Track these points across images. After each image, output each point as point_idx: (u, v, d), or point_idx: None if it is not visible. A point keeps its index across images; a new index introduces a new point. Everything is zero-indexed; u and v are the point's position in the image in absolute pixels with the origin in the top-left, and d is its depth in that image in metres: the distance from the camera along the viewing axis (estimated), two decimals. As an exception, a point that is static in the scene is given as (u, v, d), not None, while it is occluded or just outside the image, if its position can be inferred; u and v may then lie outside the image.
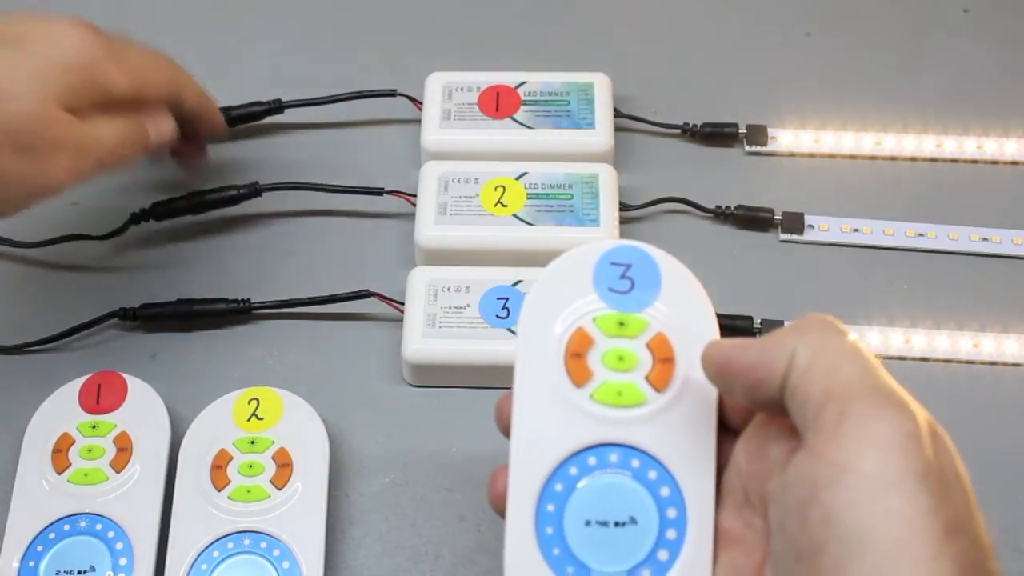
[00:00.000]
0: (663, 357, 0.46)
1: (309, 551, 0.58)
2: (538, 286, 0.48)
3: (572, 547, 0.45)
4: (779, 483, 0.42)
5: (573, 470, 0.45)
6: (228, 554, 0.58)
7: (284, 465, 0.60)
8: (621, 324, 0.47)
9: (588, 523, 0.45)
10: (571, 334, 0.47)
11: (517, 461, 0.46)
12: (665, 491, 0.45)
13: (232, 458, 0.60)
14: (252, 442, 0.61)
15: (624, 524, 0.45)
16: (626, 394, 0.46)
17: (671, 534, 0.45)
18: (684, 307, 0.47)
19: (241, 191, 0.70)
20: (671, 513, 0.45)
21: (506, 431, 0.47)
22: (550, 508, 0.45)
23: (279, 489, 0.59)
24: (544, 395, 0.46)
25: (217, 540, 0.58)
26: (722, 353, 0.44)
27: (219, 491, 0.59)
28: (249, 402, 0.62)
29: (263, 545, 0.58)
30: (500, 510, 0.46)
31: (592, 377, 0.46)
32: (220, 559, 0.58)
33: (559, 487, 0.45)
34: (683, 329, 0.47)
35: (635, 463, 0.45)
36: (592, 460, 0.45)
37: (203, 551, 0.58)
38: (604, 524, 0.45)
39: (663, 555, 0.44)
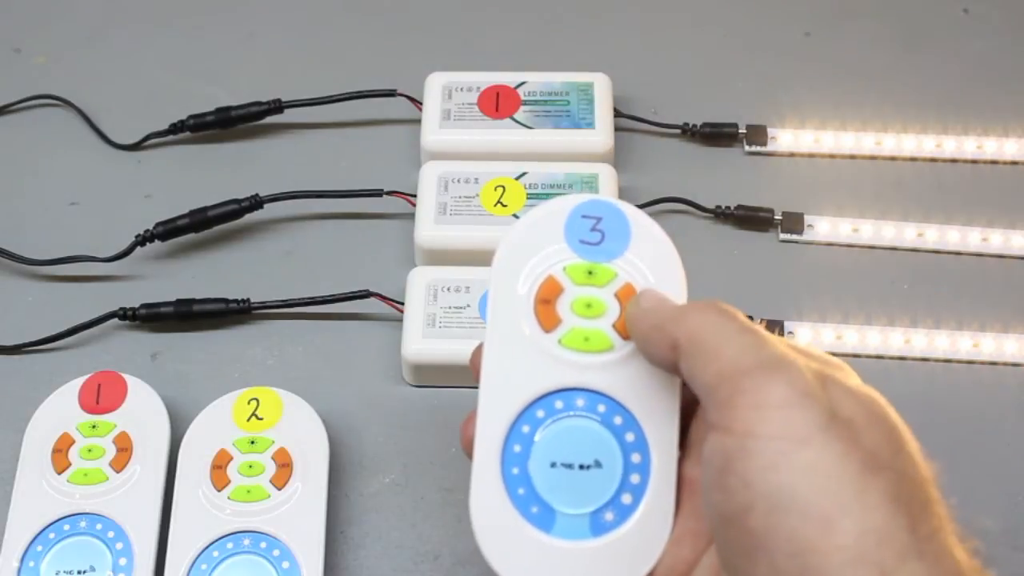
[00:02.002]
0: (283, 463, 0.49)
1: (309, 551, 0.58)
2: (510, 236, 0.49)
3: (537, 488, 0.45)
4: (701, 458, 0.43)
5: (540, 413, 0.46)
6: (228, 554, 0.58)
7: (284, 465, 0.60)
8: (590, 273, 0.48)
9: (554, 465, 0.46)
10: (541, 281, 0.47)
11: (485, 402, 0.46)
12: (630, 436, 0.46)
13: (232, 458, 0.60)
14: (252, 442, 0.61)
15: (589, 467, 0.46)
16: (593, 340, 0.47)
17: (635, 478, 0.46)
18: (653, 259, 0.48)
19: (243, 204, 0.70)
20: (635, 458, 0.46)
21: (479, 378, 0.48)
22: (516, 449, 0.46)
23: (279, 489, 0.59)
24: (514, 339, 0.47)
25: (217, 540, 0.58)
26: (631, 313, 0.46)
27: (219, 491, 0.59)
28: (249, 402, 0.62)
29: (263, 545, 0.58)
30: (471, 454, 0.47)
31: (560, 323, 0.47)
32: (220, 559, 0.58)
33: (526, 429, 0.46)
34: (651, 280, 0.48)
35: (601, 408, 0.46)
36: (559, 404, 0.46)
37: (203, 551, 0.58)
38: (569, 466, 0.46)
39: (627, 498, 0.45)
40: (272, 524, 0.58)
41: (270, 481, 0.60)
